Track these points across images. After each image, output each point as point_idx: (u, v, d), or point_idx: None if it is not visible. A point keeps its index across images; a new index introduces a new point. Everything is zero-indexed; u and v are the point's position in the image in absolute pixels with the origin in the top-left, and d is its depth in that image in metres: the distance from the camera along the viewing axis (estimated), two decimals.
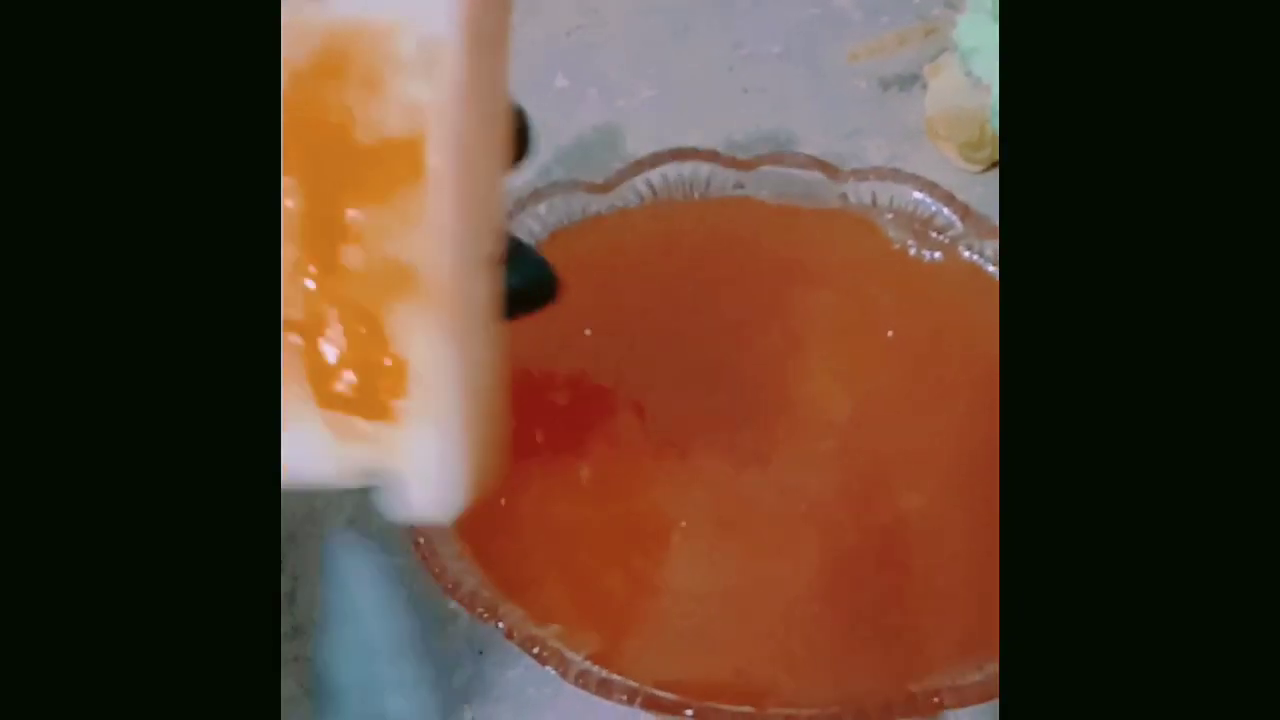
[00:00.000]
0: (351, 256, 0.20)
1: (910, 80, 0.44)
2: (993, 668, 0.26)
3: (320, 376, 0.20)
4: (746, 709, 0.26)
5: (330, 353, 0.20)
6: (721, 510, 0.30)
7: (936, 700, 0.26)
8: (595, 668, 0.26)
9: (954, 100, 0.39)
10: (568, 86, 0.47)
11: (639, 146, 0.35)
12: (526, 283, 0.24)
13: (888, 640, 0.28)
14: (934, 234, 0.34)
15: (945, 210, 0.33)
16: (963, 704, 0.26)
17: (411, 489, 0.20)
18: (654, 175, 0.35)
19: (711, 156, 0.34)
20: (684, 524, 0.29)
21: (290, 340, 0.20)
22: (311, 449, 0.20)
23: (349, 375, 0.20)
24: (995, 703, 0.28)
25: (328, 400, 0.20)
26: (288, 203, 0.20)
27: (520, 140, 0.23)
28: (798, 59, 0.46)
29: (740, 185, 0.35)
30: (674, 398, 0.31)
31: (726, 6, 0.48)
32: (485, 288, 0.21)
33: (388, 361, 0.19)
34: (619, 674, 0.26)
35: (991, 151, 0.40)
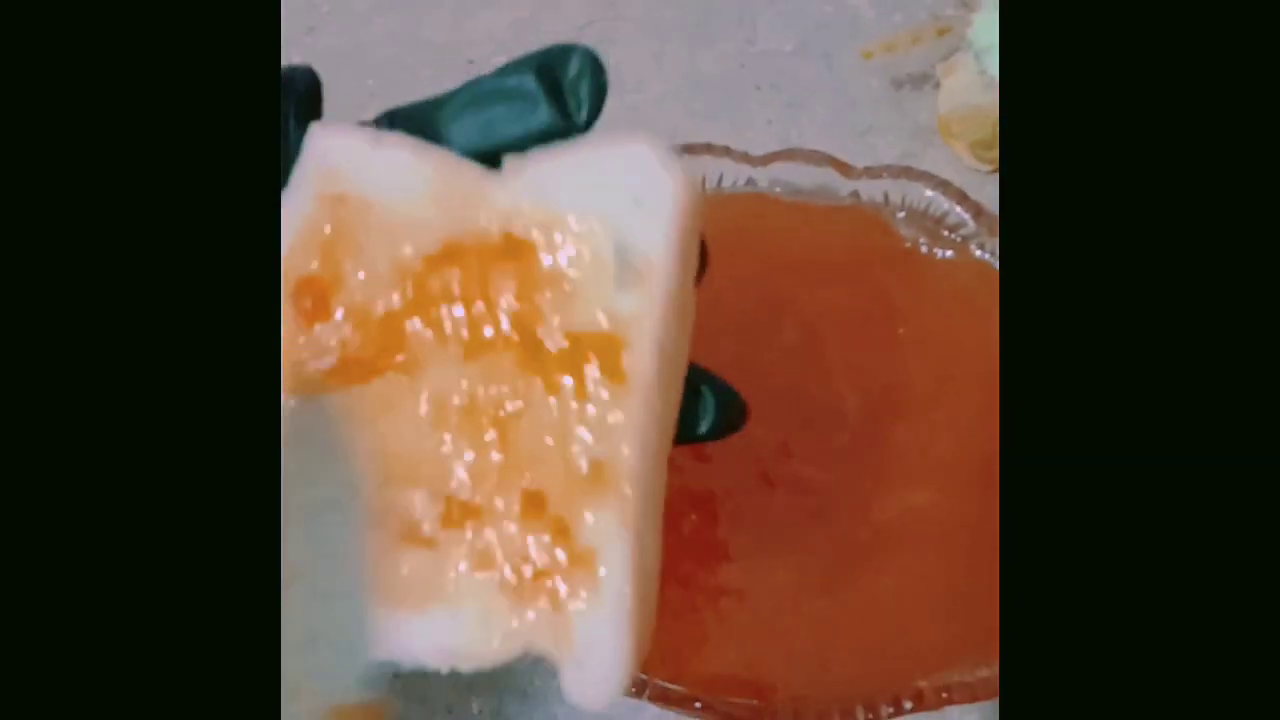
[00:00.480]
0: (531, 449, 0.19)
1: (923, 79, 0.44)
2: (998, 663, 0.26)
3: (502, 561, 0.19)
4: (753, 702, 0.26)
5: (514, 540, 0.19)
6: (734, 504, 0.30)
7: (945, 695, 0.26)
8: None
9: (966, 99, 0.39)
10: None
11: None
12: (716, 426, 0.23)
13: (895, 635, 0.28)
14: (946, 232, 0.34)
15: (957, 209, 0.33)
16: (972, 699, 0.26)
17: (575, 674, 0.20)
18: None
19: (724, 152, 0.34)
20: (694, 518, 0.29)
21: (472, 525, 0.20)
22: (483, 629, 0.20)
23: (530, 564, 0.19)
24: (994, 702, 0.28)
25: (505, 585, 0.19)
26: (463, 383, 0.19)
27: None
28: (811, 56, 0.46)
29: (752, 181, 0.35)
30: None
31: (741, 3, 0.48)
32: (664, 478, 0.20)
33: (568, 553, 0.19)
34: None
35: None
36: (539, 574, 0.19)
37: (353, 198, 0.20)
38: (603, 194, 0.19)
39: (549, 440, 0.19)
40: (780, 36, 0.47)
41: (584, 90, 0.21)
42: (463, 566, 0.20)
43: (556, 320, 0.19)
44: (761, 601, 0.29)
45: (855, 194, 0.34)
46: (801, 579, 0.29)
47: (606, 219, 0.19)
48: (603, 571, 0.19)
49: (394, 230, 0.20)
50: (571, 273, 0.19)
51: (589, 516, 0.19)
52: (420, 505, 0.20)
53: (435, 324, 0.20)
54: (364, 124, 0.22)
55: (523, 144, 0.20)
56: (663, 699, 0.26)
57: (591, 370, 0.19)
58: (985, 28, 0.36)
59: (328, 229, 0.20)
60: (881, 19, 0.47)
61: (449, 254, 0.20)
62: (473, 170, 0.20)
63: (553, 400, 0.19)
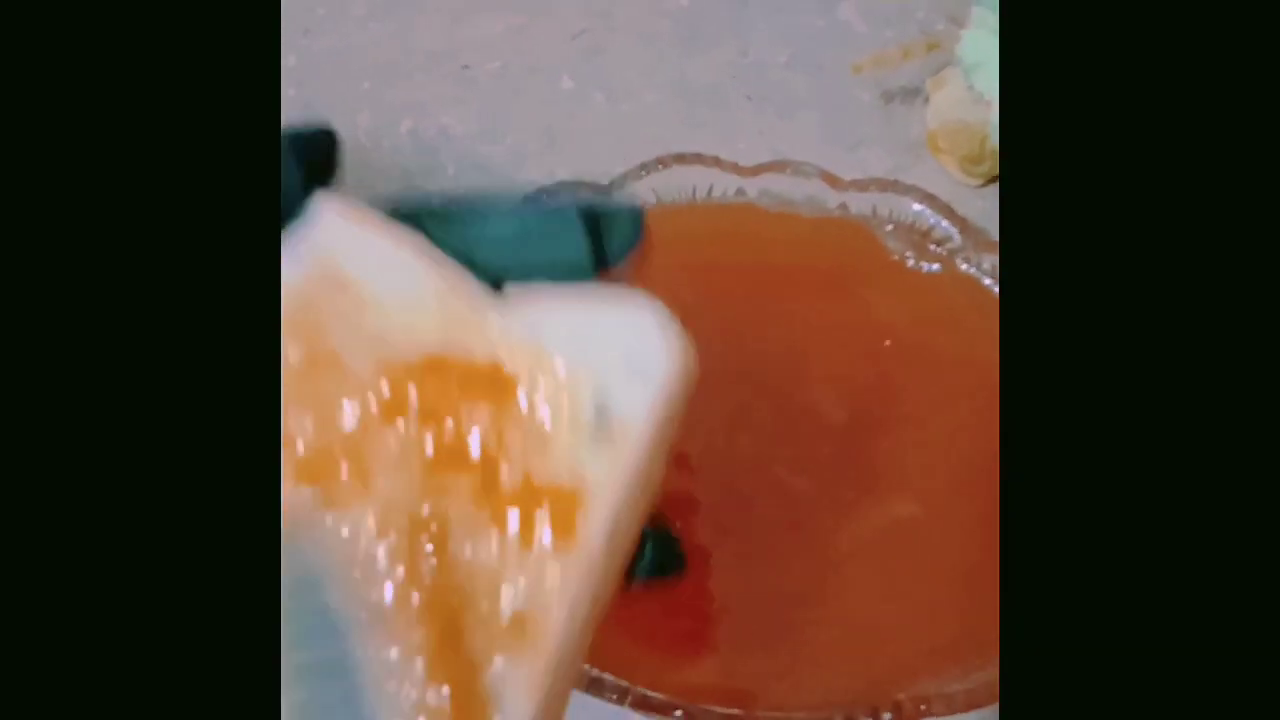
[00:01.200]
0: (464, 582, 0.19)
1: (912, 94, 0.44)
2: (980, 676, 0.27)
3: (404, 687, 0.19)
4: (735, 711, 0.26)
5: (420, 668, 0.19)
6: (715, 513, 0.30)
7: (923, 707, 0.26)
8: (586, 667, 0.27)
9: (955, 114, 0.39)
10: (573, 89, 0.47)
11: (642, 150, 0.35)
12: (649, 573, 0.23)
13: (876, 646, 0.28)
14: (933, 246, 0.34)
15: (944, 223, 0.34)
16: (951, 711, 0.26)
17: None
18: (656, 178, 0.35)
19: (714, 162, 0.35)
20: (678, 525, 0.30)
21: (388, 651, 0.19)
22: None
23: (430, 697, 0.19)
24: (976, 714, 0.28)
25: (401, 710, 0.19)
26: (414, 499, 0.19)
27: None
28: (802, 69, 0.47)
29: (741, 191, 0.35)
30: None
31: (733, 15, 0.49)
32: (588, 641, 0.20)
33: (469, 696, 0.18)
34: (610, 673, 0.27)
35: (991, 166, 0.40)
36: (435, 711, 0.19)
37: (350, 285, 0.20)
38: (596, 348, 0.19)
39: (482, 579, 0.19)
40: (772, 48, 0.47)
41: (621, 239, 0.21)
42: (368, 681, 0.19)
43: (520, 461, 0.19)
44: (743, 611, 0.29)
45: (843, 206, 0.35)
46: (782, 588, 0.29)
47: (594, 374, 0.19)
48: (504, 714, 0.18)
49: (382, 330, 0.20)
50: (546, 419, 0.19)
51: (499, 662, 0.18)
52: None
53: (400, 433, 0.19)
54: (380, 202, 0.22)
55: (546, 272, 0.20)
56: (644, 706, 0.26)
57: (542, 520, 0.18)
58: (974, 44, 0.37)
59: (313, 313, 0.20)
60: (873, 33, 0.47)
61: (431, 366, 0.19)
62: (476, 289, 0.20)
63: (495, 540, 0.19)
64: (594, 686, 0.26)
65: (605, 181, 0.35)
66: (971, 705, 0.26)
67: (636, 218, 0.21)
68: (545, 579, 0.18)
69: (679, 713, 0.26)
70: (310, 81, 0.48)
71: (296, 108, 0.47)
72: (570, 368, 0.19)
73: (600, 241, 0.20)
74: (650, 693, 0.26)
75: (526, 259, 0.20)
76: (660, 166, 0.35)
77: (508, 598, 0.18)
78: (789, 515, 0.30)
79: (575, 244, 0.20)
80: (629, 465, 0.19)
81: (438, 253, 0.20)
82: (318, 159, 0.22)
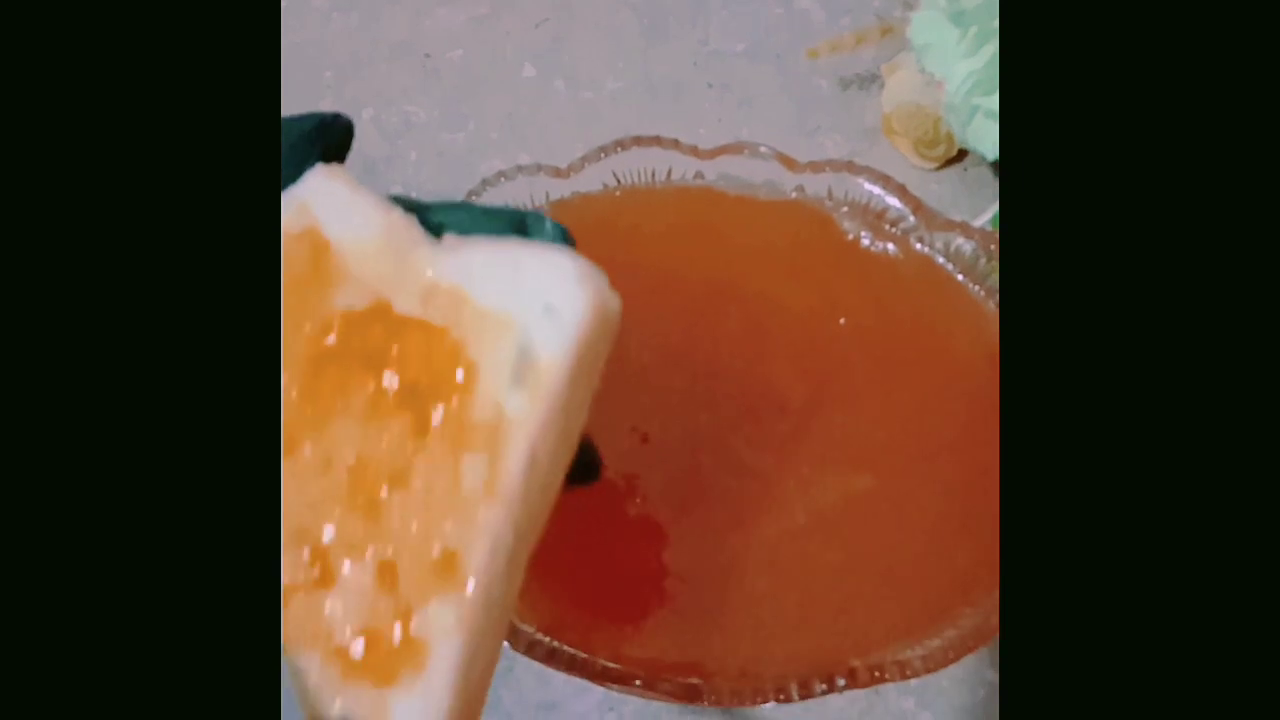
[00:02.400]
0: (398, 523, 0.19)
1: (869, 80, 0.45)
2: (933, 643, 0.27)
3: (332, 635, 0.19)
4: (693, 679, 0.27)
5: (347, 615, 0.19)
6: (675, 488, 0.30)
7: (878, 674, 0.27)
8: (546, 639, 0.27)
9: (909, 97, 0.40)
10: (535, 76, 0.47)
11: (603, 137, 0.36)
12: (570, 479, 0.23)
13: (833, 617, 0.29)
14: (887, 226, 0.35)
15: (898, 203, 0.34)
16: (905, 677, 0.27)
17: None
18: (616, 161, 0.35)
19: (673, 144, 0.35)
20: (637, 500, 0.30)
21: (315, 594, 0.19)
22: (312, 688, 0.19)
23: (362, 640, 0.19)
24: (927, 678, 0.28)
25: (331, 656, 0.19)
26: (340, 451, 0.20)
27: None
28: (761, 57, 0.47)
29: (700, 175, 0.36)
30: (632, 380, 0.32)
31: (694, 4, 0.49)
32: (518, 583, 0.20)
33: (402, 636, 0.19)
34: (569, 645, 0.27)
35: (945, 149, 0.41)
36: (369, 652, 0.19)
37: (319, 234, 0.21)
38: (519, 293, 0.19)
39: (415, 519, 0.19)
40: (732, 37, 0.48)
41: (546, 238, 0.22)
42: (307, 623, 0.19)
43: (450, 402, 0.19)
44: (701, 582, 0.29)
45: (800, 189, 0.35)
46: (741, 560, 0.29)
47: (516, 315, 0.19)
48: (429, 665, 0.19)
49: (340, 276, 0.20)
50: (473, 359, 0.19)
51: (432, 606, 0.19)
52: (295, 557, 0.20)
53: (346, 379, 0.20)
54: None
55: None
56: (604, 677, 0.26)
57: (471, 461, 0.19)
58: (923, 26, 0.37)
59: (295, 270, 0.21)
60: (830, 21, 0.48)
61: (374, 312, 0.20)
62: (418, 234, 0.21)
63: (427, 479, 0.19)
64: (553, 659, 0.26)
65: (563, 165, 0.35)
66: (927, 669, 0.27)
67: (562, 230, 0.22)
68: (472, 517, 0.19)
69: (638, 682, 0.26)
70: None
71: None
72: (494, 309, 0.19)
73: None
74: (611, 664, 0.27)
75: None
76: (620, 149, 0.35)
77: (438, 537, 0.19)
78: (747, 489, 0.30)
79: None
80: (546, 405, 0.19)
81: (392, 204, 0.21)
82: (333, 144, 0.23)
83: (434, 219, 0.22)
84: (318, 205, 0.21)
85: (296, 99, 0.47)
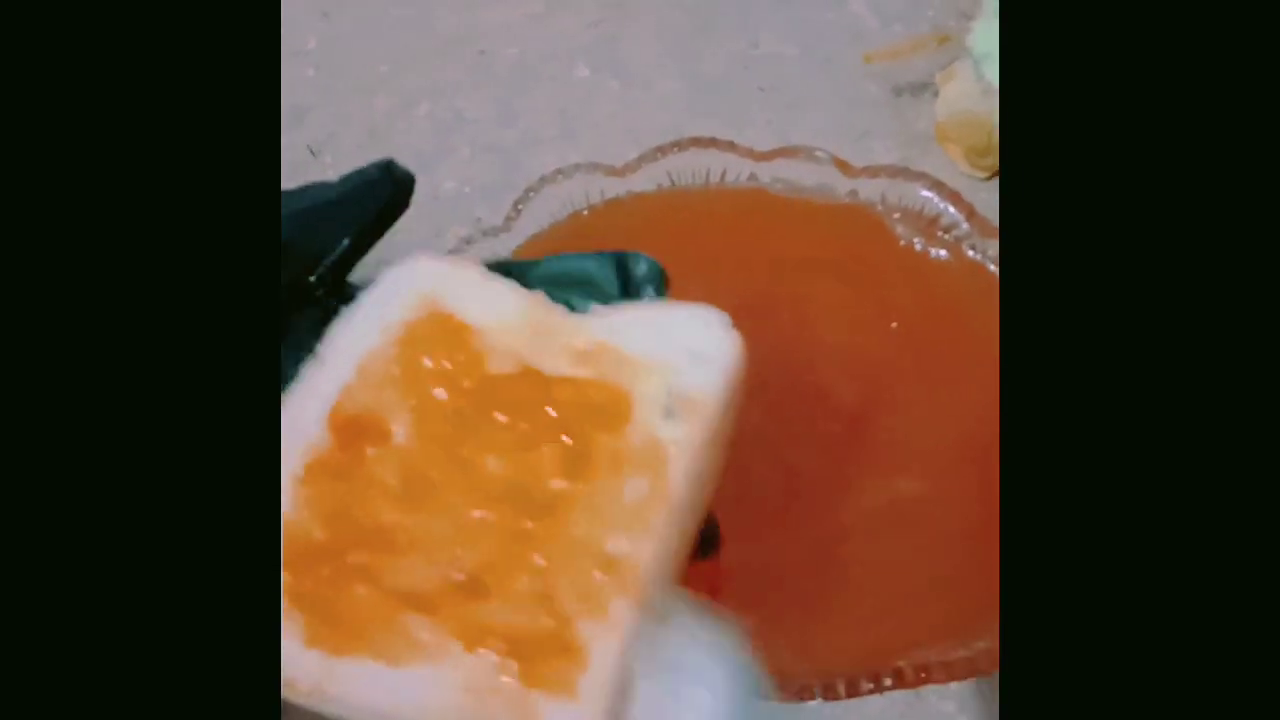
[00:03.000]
0: (557, 538, 0.20)
1: (921, 88, 0.45)
2: (979, 644, 0.27)
3: (486, 631, 0.20)
4: None
5: (506, 614, 0.20)
6: (728, 488, 0.31)
7: (924, 675, 0.27)
8: None
9: (964, 105, 0.40)
10: (588, 76, 0.48)
11: (655, 138, 0.36)
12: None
13: (879, 617, 0.29)
14: (940, 232, 0.35)
15: (951, 209, 0.35)
16: (950, 679, 0.27)
17: None
18: (670, 162, 0.36)
19: (729, 146, 0.35)
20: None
21: (468, 605, 0.20)
22: (440, 692, 0.20)
23: (519, 638, 0.20)
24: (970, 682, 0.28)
25: (489, 663, 0.20)
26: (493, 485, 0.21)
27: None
28: (813, 61, 0.47)
29: (754, 176, 0.36)
30: None
31: (747, 7, 0.50)
32: (671, 591, 0.21)
33: (560, 641, 0.19)
34: None
35: (996, 159, 0.41)
36: (525, 652, 0.19)
37: (452, 319, 0.23)
38: (669, 340, 0.22)
39: (575, 531, 0.20)
40: (783, 41, 0.48)
41: (650, 291, 0.24)
42: (457, 636, 0.20)
43: (605, 435, 0.21)
44: (750, 581, 0.29)
45: (854, 193, 0.35)
46: (789, 561, 0.30)
47: (666, 362, 0.22)
48: (589, 663, 0.19)
49: (484, 351, 0.22)
50: (627, 396, 0.21)
51: (592, 611, 0.20)
52: (426, 571, 0.20)
53: (494, 425, 0.22)
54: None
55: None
56: None
57: (634, 483, 0.21)
58: (984, 35, 0.37)
59: (396, 368, 0.22)
60: (883, 28, 0.48)
61: (523, 374, 0.22)
62: (557, 309, 0.23)
63: (588, 500, 0.21)
64: None
65: (619, 164, 0.35)
66: (971, 673, 0.27)
67: (657, 265, 0.24)
68: (640, 522, 0.20)
69: None
70: (328, 64, 0.49)
71: (315, 89, 0.48)
72: (646, 359, 0.22)
73: (628, 273, 0.24)
74: None
75: (568, 295, 0.24)
76: (677, 150, 0.35)
77: (599, 546, 0.20)
78: (795, 490, 0.31)
79: (607, 278, 0.24)
80: (704, 429, 0.21)
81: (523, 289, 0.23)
82: (386, 203, 0.25)
83: (537, 272, 0.24)
84: (449, 294, 0.23)
85: (353, 91, 0.48)
